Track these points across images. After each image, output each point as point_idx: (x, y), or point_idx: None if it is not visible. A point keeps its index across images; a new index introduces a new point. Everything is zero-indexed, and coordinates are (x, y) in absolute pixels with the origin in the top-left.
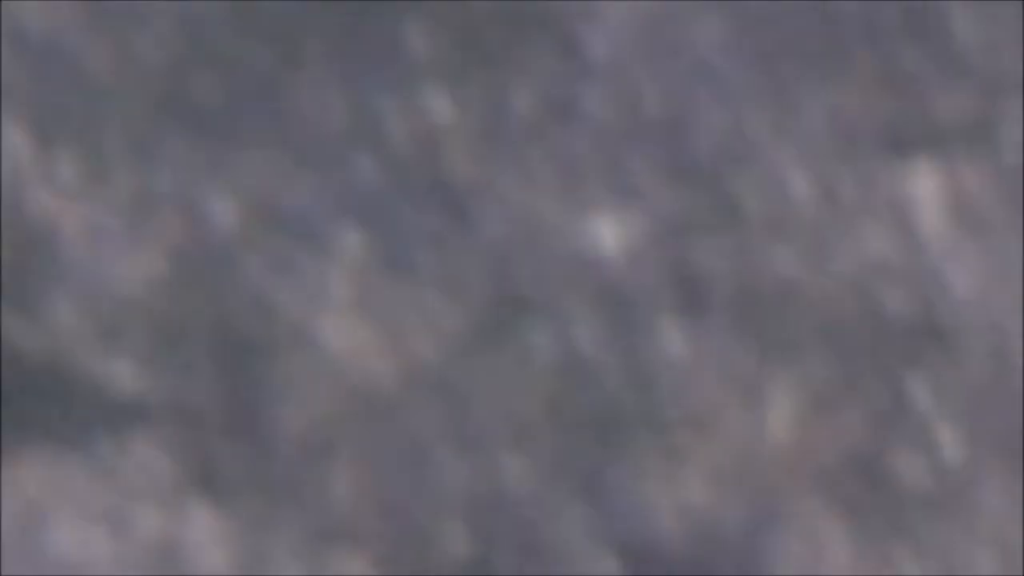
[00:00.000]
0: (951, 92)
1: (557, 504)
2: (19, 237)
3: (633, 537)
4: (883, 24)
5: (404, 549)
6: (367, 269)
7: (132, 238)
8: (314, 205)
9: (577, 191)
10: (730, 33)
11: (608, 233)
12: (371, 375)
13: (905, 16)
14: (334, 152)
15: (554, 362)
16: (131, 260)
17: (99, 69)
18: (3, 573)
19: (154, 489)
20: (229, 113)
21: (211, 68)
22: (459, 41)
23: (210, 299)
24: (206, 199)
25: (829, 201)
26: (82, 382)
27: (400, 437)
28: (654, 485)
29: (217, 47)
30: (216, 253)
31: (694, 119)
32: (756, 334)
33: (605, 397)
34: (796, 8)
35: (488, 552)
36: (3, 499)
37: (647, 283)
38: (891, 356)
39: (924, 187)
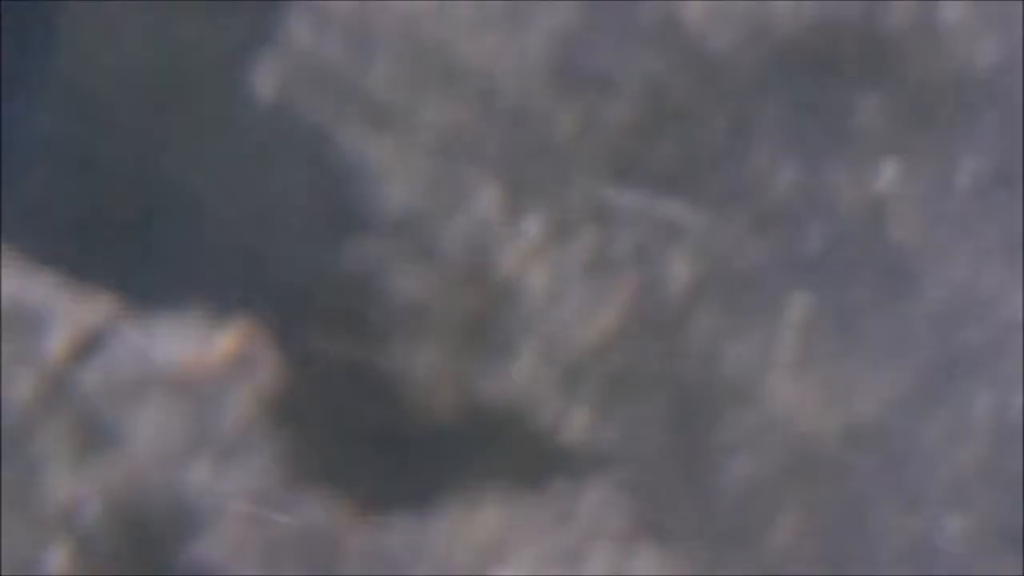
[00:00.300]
0: None
1: (990, 559)
2: (488, 290)
3: None
4: None
5: None
6: (814, 329)
7: (592, 294)
8: (765, 267)
9: (1021, 260)
10: None
11: None
12: (815, 431)
13: None
14: (786, 217)
15: (990, 425)
16: (590, 315)
17: (567, 132)
18: None
19: (607, 530)
20: (686, 177)
21: (671, 133)
22: (909, 113)
23: (663, 354)
24: (662, 258)
25: None
26: (542, 427)
27: (841, 491)
28: None
29: (678, 113)
30: (670, 311)
31: None
32: None
33: None
34: None
35: None
36: (466, 535)
37: None
38: None
39: None
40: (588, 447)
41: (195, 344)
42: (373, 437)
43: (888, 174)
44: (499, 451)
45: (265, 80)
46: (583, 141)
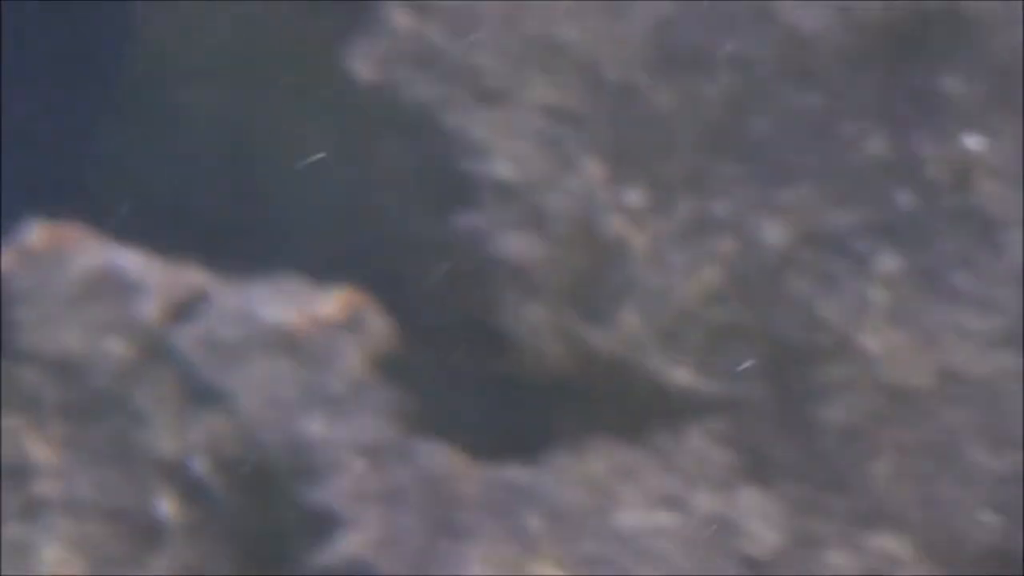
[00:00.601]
0: None
1: None
2: (593, 254)
3: None
4: None
5: (938, 534)
6: (903, 285)
7: (691, 256)
8: (856, 229)
9: None
10: None
11: None
12: (907, 378)
13: None
14: (875, 183)
15: None
16: (689, 276)
17: (666, 108)
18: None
19: (708, 475)
20: (780, 148)
21: (766, 108)
22: (991, 86)
23: (760, 311)
24: (758, 223)
25: None
26: (645, 381)
27: (935, 434)
28: None
29: (771, 90)
30: (766, 271)
31: None
32: None
33: None
34: None
35: (1018, 539)
36: (576, 479)
37: None
38: None
39: None
40: (689, 396)
41: (301, 305)
42: (484, 389)
43: (972, 143)
44: (606, 401)
45: (366, 62)
46: (681, 116)
